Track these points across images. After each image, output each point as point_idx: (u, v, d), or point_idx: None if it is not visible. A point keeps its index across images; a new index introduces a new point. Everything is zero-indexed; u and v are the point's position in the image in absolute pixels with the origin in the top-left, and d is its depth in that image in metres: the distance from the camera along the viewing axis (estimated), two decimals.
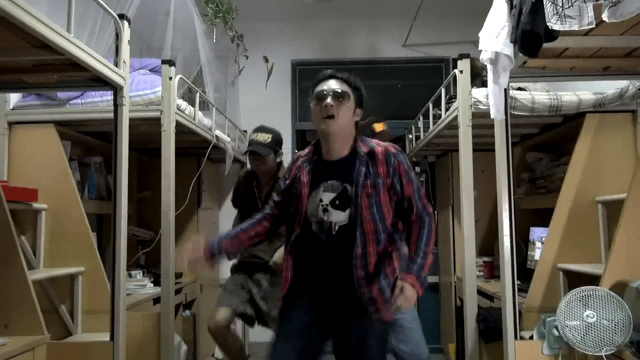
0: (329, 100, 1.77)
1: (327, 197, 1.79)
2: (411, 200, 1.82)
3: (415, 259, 1.78)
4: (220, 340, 2.86)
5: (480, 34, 2.08)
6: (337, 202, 1.78)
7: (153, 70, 3.10)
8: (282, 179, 1.98)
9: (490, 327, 2.70)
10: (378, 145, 1.84)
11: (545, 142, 3.37)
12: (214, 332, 2.81)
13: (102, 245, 3.15)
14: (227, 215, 4.43)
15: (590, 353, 2.01)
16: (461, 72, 2.85)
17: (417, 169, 4.58)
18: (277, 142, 2.90)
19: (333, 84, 1.81)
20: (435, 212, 4.58)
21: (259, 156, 2.83)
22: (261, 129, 2.93)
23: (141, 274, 3.40)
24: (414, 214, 1.82)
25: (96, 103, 2.84)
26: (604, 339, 1.97)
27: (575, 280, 2.49)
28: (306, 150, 1.93)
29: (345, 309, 1.79)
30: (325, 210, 1.78)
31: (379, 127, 2.80)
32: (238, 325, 3.90)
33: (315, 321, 1.81)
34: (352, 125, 1.84)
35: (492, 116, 2.25)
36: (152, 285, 3.33)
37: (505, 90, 2.21)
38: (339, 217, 1.77)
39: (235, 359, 2.92)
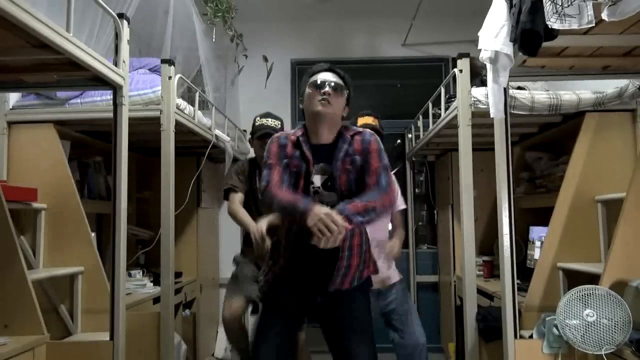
0: (327, 89, 1.88)
1: (317, 179, 1.89)
2: (377, 170, 1.87)
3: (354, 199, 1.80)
4: (234, 330, 2.82)
5: (479, 33, 2.08)
6: (329, 184, 1.88)
7: (152, 70, 3.09)
8: (275, 154, 1.94)
9: (490, 326, 2.70)
10: (360, 129, 1.99)
11: (545, 141, 3.37)
12: (230, 321, 2.78)
13: (102, 245, 3.15)
14: (226, 215, 4.43)
15: (590, 352, 2.01)
16: (461, 71, 2.84)
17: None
18: (283, 129, 2.87)
19: (331, 77, 1.93)
20: (435, 211, 4.60)
21: None
22: (270, 115, 2.90)
23: (141, 273, 3.40)
24: (373, 180, 1.86)
25: (96, 102, 2.84)
26: (603, 337, 1.97)
27: (574, 279, 2.49)
28: (298, 132, 1.97)
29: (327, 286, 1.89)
30: (316, 192, 1.88)
31: (359, 121, 2.78)
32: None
33: (299, 307, 1.95)
34: (339, 118, 1.96)
35: (491, 115, 2.25)
36: (151, 284, 3.33)
37: (504, 89, 2.21)
38: (330, 198, 1.86)
39: (242, 353, 2.90)
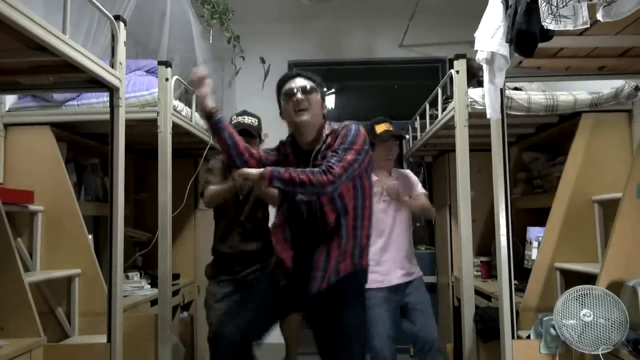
0: (299, 95, 1.91)
1: None
2: (335, 149, 1.85)
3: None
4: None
5: (476, 34, 2.09)
6: None
7: (149, 72, 3.09)
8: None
9: (488, 326, 2.70)
10: (337, 125, 1.97)
11: (542, 142, 3.38)
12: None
13: (99, 247, 3.14)
14: None
15: (587, 352, 2.01)
16: (457, 72, 2.85)
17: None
18: (261, 127, 2.81)
19: (299, 82, 1.96)
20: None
21: (249, 138, 2.59)
22: (246, 113, 2.81)
23: (138, 275, 3.39)
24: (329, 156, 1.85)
25: (92, 104, 2.84)
26: (600, 337, 1.97)
27: (572, 279, 2.50)
28: (287, 142, 2.08)
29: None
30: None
31: (379, 128, 2.79)
32: None
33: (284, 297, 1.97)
34: (321, 117, 1.99)
35: (488, 116, 2.25)
36: (149, 286, 3.32)
37: (501, 90, 2.21)
38: (311, 198, 1.91)
39: None
